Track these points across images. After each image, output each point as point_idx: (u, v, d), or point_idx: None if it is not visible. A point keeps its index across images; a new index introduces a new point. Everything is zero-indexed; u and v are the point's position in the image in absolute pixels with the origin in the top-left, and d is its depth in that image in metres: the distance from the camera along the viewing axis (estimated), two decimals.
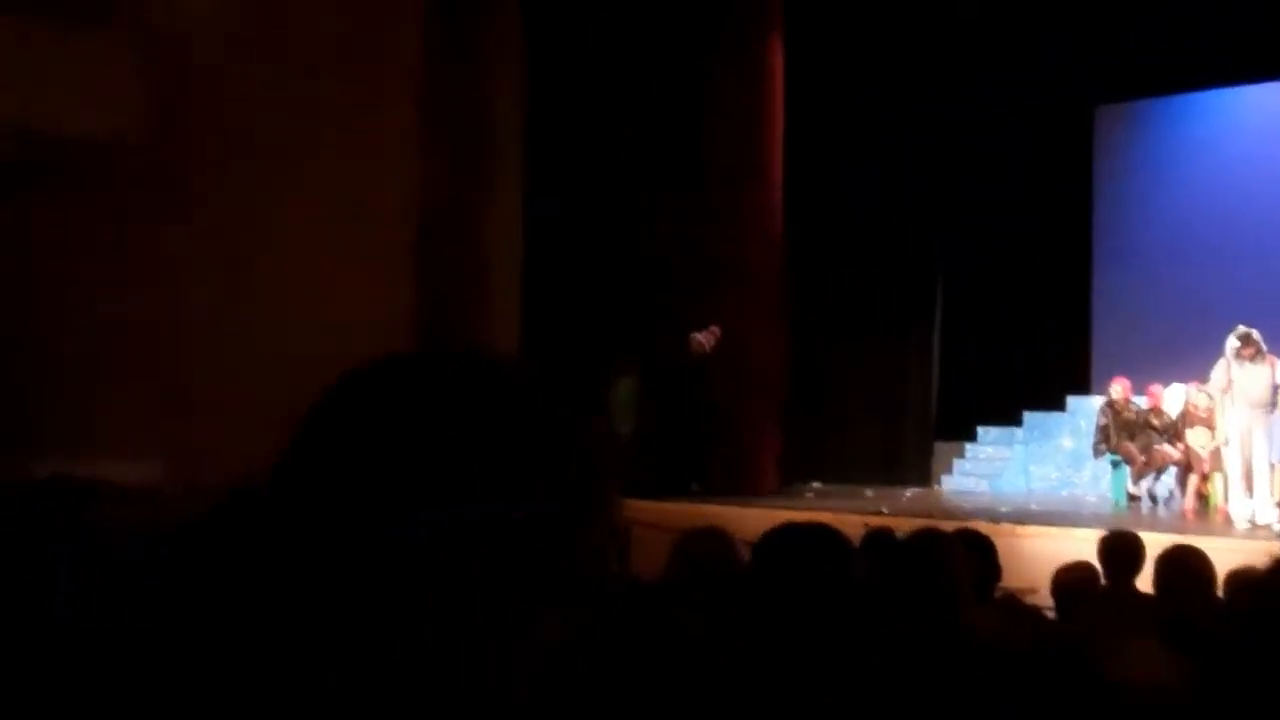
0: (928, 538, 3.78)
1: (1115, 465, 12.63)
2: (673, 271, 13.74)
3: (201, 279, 11.16)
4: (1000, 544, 5.31)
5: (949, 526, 4.73)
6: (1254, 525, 10.35)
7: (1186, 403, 12.07)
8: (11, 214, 11.35)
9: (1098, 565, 5.60)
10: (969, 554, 3.89)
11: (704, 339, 13.26)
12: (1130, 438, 12.41)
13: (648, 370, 14.08)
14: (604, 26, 13.50)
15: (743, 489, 12.86)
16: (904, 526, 4.61)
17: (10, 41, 10.32)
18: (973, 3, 13.69)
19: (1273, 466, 10.90)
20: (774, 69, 13.69)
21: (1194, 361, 12.27)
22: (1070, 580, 5.53)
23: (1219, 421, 11.00)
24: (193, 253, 11.20)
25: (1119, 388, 12.67)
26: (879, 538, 4.69)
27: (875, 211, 14.59)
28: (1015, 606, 4.72)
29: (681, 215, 13.63)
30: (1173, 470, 12.23)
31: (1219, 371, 10.76)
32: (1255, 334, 10.59)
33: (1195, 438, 11.79)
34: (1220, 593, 4.93)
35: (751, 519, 9.33)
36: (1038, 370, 14.39)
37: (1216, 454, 11.36)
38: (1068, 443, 14.11)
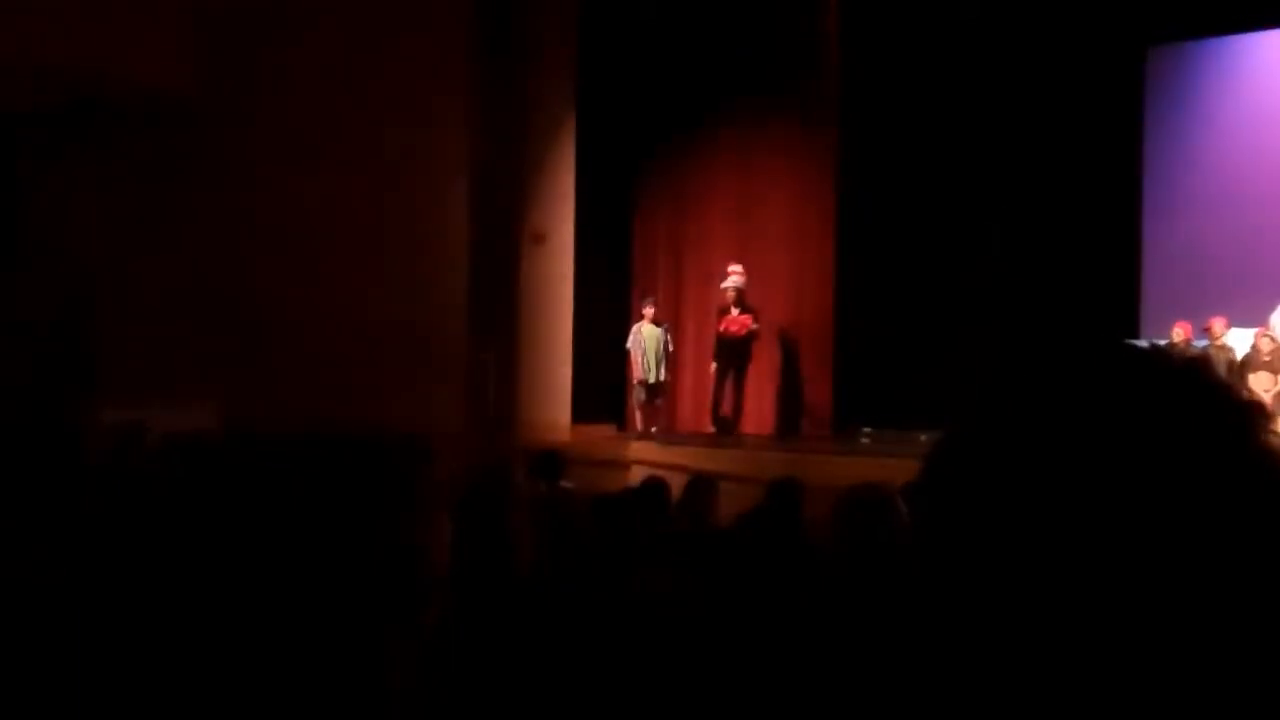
0: None
1: None
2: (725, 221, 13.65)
3: (256, 234, 11.15)
4: None
5: None
6: None
7: (1252, 347, 11.84)
8: (61, 165, 11.38)
9: None
10: None
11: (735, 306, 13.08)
12: None
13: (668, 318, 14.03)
14: None
15: (795, 435, 12.80)
16: None
17: None
18: None
19: None
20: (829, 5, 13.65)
21: (1247, 307, 12.04)
22: None
23: None
24: (245, 207, 11.19)
25: (1179, 331, 12.41)
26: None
27: (924, 158, 14.37)
28: None
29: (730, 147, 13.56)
30: None
31: None
32: None
33: (1258, 382, 11.58)
34: None
35: (816, 465, 9.28)
36: (1088, 315, 14.14)
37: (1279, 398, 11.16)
38: None
